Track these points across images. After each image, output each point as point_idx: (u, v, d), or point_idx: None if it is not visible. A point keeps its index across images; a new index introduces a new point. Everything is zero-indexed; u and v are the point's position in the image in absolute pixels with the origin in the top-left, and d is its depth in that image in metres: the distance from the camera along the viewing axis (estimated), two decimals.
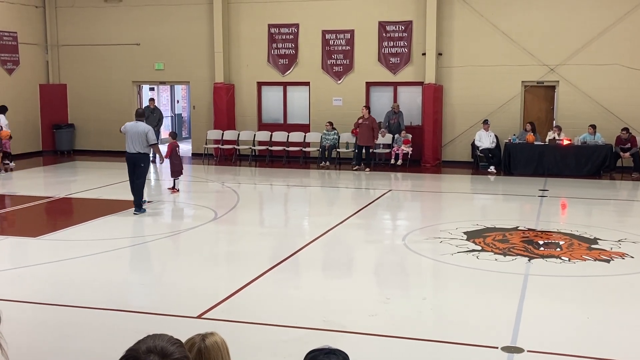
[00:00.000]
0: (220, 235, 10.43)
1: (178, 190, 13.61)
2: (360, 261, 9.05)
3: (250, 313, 6.63)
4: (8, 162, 16.36)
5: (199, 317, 6.35)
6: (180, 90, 25.00)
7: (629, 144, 16.28)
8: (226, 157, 18.96)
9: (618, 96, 16.88)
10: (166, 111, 24.60)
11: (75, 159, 19.47)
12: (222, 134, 19.04)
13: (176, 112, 25.14)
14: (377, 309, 6.66)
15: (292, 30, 19.21)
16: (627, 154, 16.24)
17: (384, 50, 18.56)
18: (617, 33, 16.77)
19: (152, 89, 22.89)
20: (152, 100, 20.11)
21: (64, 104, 20.83)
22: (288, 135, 18.82)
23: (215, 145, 19.09)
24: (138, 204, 11.28)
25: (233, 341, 5.68)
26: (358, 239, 10.17)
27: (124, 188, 12.24)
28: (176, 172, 13.52)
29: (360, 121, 17.13)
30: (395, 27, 18.39)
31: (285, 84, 19.58)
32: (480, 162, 17.23)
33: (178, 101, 25.29)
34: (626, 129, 16.34)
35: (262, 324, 6.29)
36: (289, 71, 19.39)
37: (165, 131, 24.79)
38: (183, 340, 2.09)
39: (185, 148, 22.44)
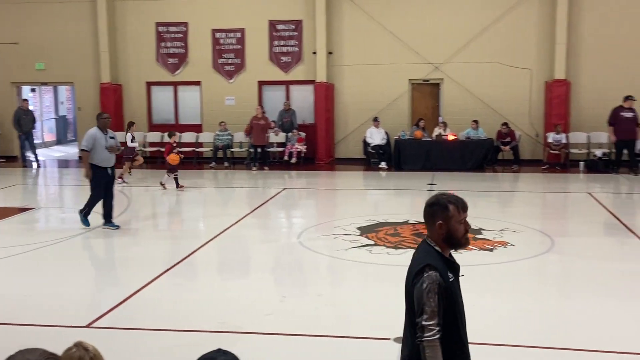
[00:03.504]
0: (110, 240, 10.07)
1: (183, 187, 13.98)
2: (255, 261, 9.03)
3: (143, 319, 6.46)
4: None
5: (88, 326, 6.12)
6: (64, 91, 23.92)
7: (509, 138, 17.21)
8: (116, 159, 18.31)
9: (497, 93, 17.80)
10: (49, 113, 23.48)
11: None
12: None
13: (60, 114, 24.03)
14: (274, 308, 6.67)
15: (181, 29, 18.88)
16: (507, 148, 17.16)
17: (275, 49, 18.61)
18: (495, 32, 17.66)
19: (33, 90, 21.75)
20: (25, 101, 19.08)
21: None
22: (180, 136, 18.46)
23: None
24: (84, 212, 10.28)
25: (124, 349, 5.53)
26: (253, 239, 10.14)
27: (5, 194, 11.57)
28: (172, 169, 13.95)
29: (255, 121, 17.09)
30: (286, 26, 18.49)
31: (175, 84, 19.21)
32: (372, 159, 17.64)
33: (62, 102, 24.19)
34: (506, 124, 17.26)
35: (155, 329, 6.15)
36: (179, 70, 19.05)
37: (50, 134, 23.67)
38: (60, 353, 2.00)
39: (71, 151, 21.56)
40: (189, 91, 19.24)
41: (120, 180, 14.46)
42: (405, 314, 3.21)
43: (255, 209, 12.08)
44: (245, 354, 5.34)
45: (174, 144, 14.24)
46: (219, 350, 2.49)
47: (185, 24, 18.85)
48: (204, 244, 9.36)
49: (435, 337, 2.94)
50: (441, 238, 3.13)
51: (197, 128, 18.99)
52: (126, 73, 19.17)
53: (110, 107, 18.30)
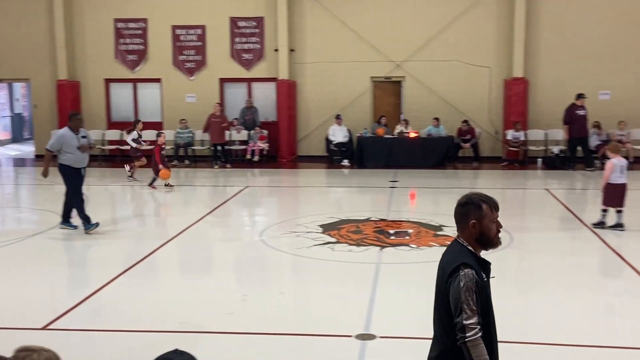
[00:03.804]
0: (68, 240, 9.86)
1: (155, 187, 13.69)
2: (217, 260, 8.96)
3: (101, 320, 6.36)
4: None
5: (44, 328, 5.98)
6: (19, 88, 23.37)
7: (469, 135, 17.42)
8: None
9: (458, 90, 17.99)
10: (4, 110, 22.92)
11: None
12: None
13: (16, 112, 23.47)
14: (235, 307, 6.62)
15: (140, 25, 18.61)
16: (467, 145, 17.37)
17: (237, 46, 18.49)
18: (455, 31, 17.85)
19: None
20: None
21: None
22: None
23: None
24: (82, 218, 9.89)
25: (81, 352, 5.42)
26: (215, 238, 10.06)
27: None
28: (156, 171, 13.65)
29: (213, 119, 16.92)
30: (247, 23, 18.38)
31: (135, 81, 18.93)
32: (334, 156, 17.67)
33: (17, 100, 23.63)
34: (466, 121, 17.47)
35: (113, 330, 6.04)
36: (139, 67, 18.78)
37: (5, 132, 23.14)
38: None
39: (27, 149, 21.09)
40: (149, 88, 18.98)
41: (131, 178, 14.67)
42: (434, 314, 3.19)
43: (216, 208, 11.98)
44: (206, 353, 5.29)
45: (163, 145, 13.91)
46: (176, 350, 2.46)
47: (145, 20, 18.59)
48: (165, 243, 9.24)
49: (478, 336, 2.92)
50: (473, 237, 3.14)
51: (157, 126, 18.71)
52: (84, 70, 18.81)
53: (68, 105, 17.93)
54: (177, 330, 5.96)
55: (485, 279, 3.09)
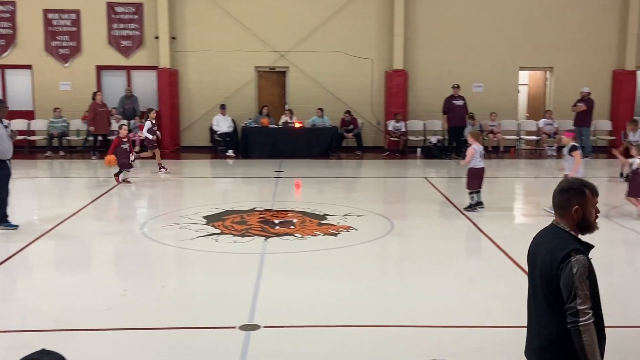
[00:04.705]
0: None
1: (122, 181, 12.92)
2: (95, 254, 8.60)
3: None
4: None
5: None
6: None
7: (352, 126, 17.76)
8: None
9: (341, 81, 18.27)
10: None
11: None
12: None
13: None
14: (113, 302, 6.37)
15: (8, 8, 17.48)
16: (351, 135, 17.71)
17: (115, 32, 17.81)
18: (338, 23, 18.10)
19: None
20: None
21: None
22: (10, 123, 17.11)
23: None
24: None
25: None
26: (93, 231, 9.63)
27: None
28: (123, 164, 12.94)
29: (99, 108, 16.22)
30: (125, 9, 17.73)
31: (2, 67, 17.76)
32: (219, 147, 17.45)
33: None
34: (349, 112, 17.80)
35: None
36: (6, 53, 17.67)
37: None
38: None
39: None
40: (18, 75, 17.88)
41: (164, 169, 14.10)
42: (533, 302, 3.15)
43: (95, 200, 11.48)
44: (80, 352, 5.06)
45: (125, 138, 13.07)
46: (43, 350, 2.34)
47: (13, 3, 17.46)
48: (37, 238, 8.74)
49: (591, 321, 2.94)
50: (575, 222, 3.15)
51: (28, 115, 17.71)
52: None
53: None
54: (50, 329, 5.65)
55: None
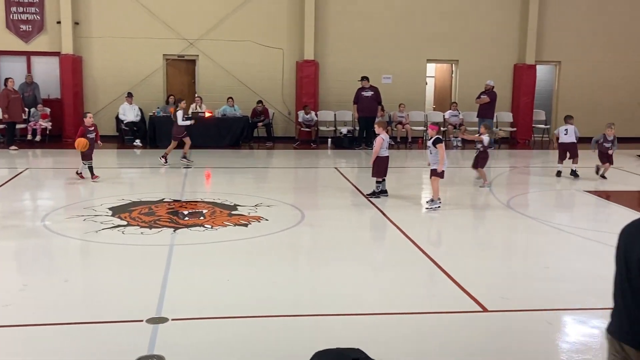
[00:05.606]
0: None
1: (77, 174, 12.21)
2: None
3: None
4: None
5: None
6: None
7: (263, 116, 17.69)
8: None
9: (252, 71, 18.17)
10: None
11: None
12: None
13: None
14: (13, 298, 6.09)
15: None
16: (261, 125, 17.64)
17: (13, 16, 16.96)
18: (248, 11, 17.96)
19: None
20: None
21: None
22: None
23: None
24: None
25: None
26: None
27: None
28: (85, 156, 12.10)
29: (12, 95, 15.41)
30: None
31: None
32: (126, 136, 16.97)
33: None
34: (260, 102, 17.72)
35: None
36: None
37: None
38: None
39: None
40: None
41: (186, 160, 13.58)
42: (626, 283, 3.09)
43: None
44: None
45: (91, 127, 12.18)
46: None
47: None
48: None
49: None
50: None
51: None
52: None
53: None
54: None
55: None
